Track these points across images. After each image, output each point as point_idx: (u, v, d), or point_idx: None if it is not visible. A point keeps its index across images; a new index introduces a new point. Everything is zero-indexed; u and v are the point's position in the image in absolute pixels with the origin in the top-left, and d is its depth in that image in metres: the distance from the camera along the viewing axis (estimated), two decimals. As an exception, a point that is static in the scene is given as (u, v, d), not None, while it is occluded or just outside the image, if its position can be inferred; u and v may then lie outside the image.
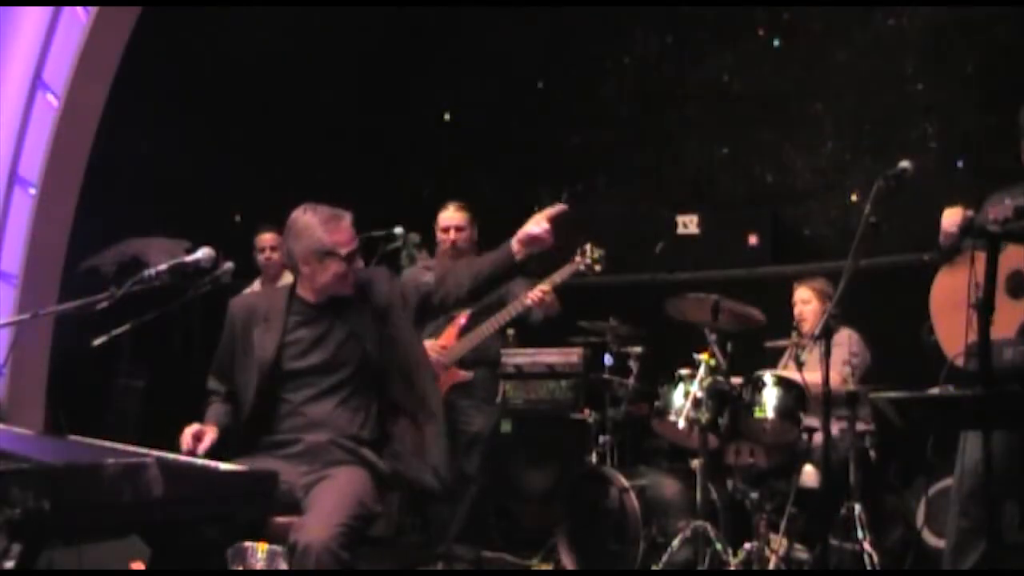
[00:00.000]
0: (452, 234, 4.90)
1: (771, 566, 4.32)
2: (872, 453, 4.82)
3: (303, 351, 3.35)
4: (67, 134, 5.61)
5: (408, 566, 4.90)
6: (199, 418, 3.37)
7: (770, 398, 4.48)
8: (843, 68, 6.23)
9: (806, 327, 4.86)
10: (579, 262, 4.63)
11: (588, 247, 4.64)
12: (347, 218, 3.37)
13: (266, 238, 5.63)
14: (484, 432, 4.87)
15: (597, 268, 4.59)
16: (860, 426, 4.60)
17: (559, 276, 4.67)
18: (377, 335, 3.32)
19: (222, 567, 2.96)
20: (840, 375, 4.43)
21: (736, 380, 4.66)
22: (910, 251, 5.48)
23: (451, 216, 4.94)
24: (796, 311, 5.05)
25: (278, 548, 3.12)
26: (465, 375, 4.85)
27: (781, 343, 5.06)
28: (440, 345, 4.80)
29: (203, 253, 3.30)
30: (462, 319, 4.85)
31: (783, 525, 4.39)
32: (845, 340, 4.72)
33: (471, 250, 4.92)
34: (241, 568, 3.10)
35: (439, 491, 3.34)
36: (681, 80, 6.80)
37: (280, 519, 3.07)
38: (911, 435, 4.54)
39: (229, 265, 3.71)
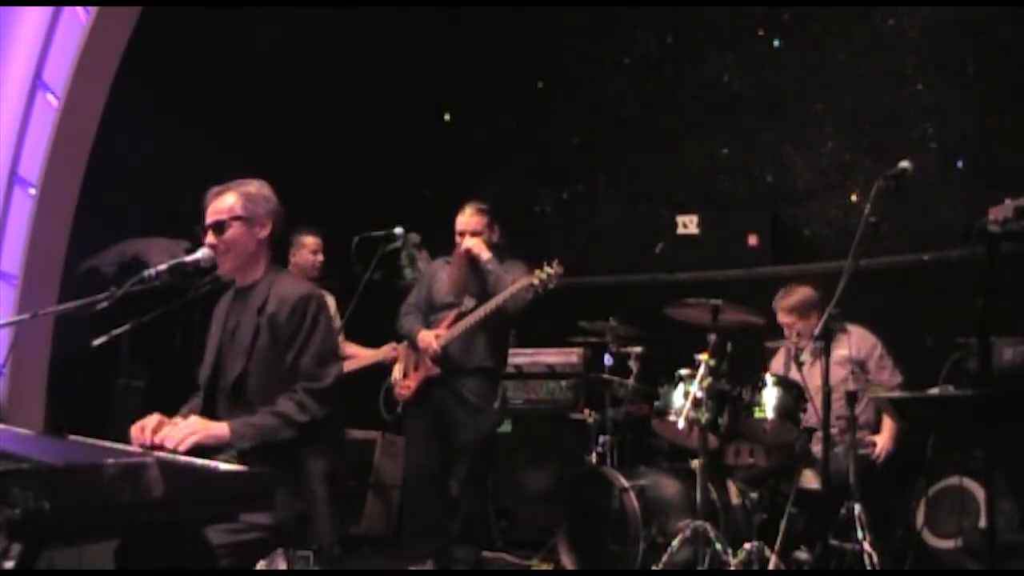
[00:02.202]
0: (467, 239, 4.85)
1: (771, 566, 4.32)
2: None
3: (224, 347, 3.13)
4: (67, 134, 5.60)
5: (406, 566, 4.90)
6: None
7: (770, 398, 4.48)
8: (843, 68, 6.23)
9: (802, 342, 4.78)
10: (536, 275, 4.61)
11: (554, 263, 4.61)
12: (215, 189, 3.17)
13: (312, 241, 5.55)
14: (474, 439, 4.80)
15: (550, 286, 4.59)
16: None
17: (510, 291, 4.67)
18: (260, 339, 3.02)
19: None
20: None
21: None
22: (910, 251, 5.50)
23: (467, 221, 4.86)
24: (786, 331, 4.94)
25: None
26: (432, 369, 4.83)
27: (781, 343, 5.05)
28: (435, 333, 4.84)
29: (203, 253, 3.28)
30: (452, 315, 4.87)
31: (783, 525, 4.39)
32: (846, 339, 4.72)
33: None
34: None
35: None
36: (681, 80, 6.80)
37: None
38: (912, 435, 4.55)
39: (229, 265, 3.69)
